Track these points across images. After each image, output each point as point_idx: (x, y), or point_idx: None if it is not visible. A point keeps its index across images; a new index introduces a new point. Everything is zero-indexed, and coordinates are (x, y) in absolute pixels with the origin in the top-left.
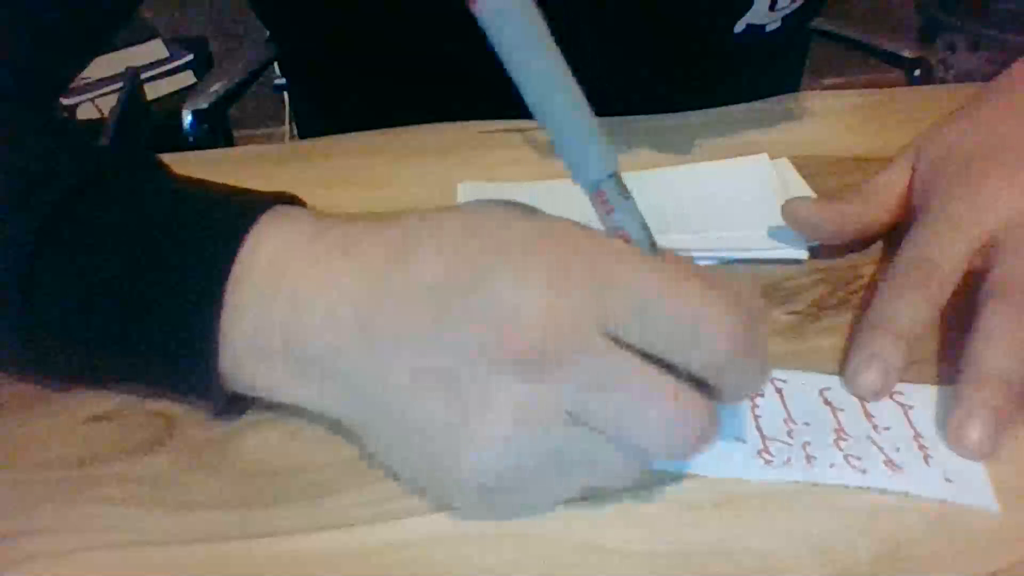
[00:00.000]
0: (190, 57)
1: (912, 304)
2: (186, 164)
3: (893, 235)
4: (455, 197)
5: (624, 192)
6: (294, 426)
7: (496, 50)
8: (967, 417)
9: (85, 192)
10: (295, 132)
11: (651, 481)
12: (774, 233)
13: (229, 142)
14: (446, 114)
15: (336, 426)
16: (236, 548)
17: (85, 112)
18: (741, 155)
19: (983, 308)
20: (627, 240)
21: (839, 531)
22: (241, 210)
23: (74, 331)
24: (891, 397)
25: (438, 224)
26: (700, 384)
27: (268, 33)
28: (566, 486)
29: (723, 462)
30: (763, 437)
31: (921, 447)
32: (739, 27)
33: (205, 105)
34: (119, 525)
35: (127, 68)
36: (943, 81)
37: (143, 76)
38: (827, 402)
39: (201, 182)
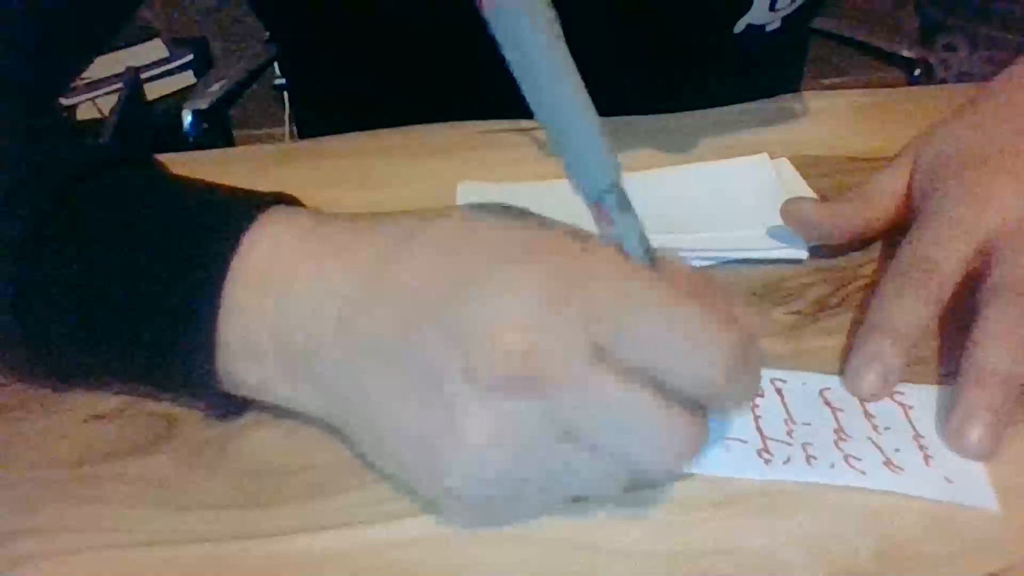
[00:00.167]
0: (190, 57)
1: (912, 304)
2: (186, 164)
3: (893, 235)
4: (455, 197)
5: (625, 204)
6: (294, 426)
7: (503, 50)
8: (967, 418)
9: (81, 190)
10: (295, 132)
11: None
12: (774, 233)
13: (229, 142)
14: (446, 114)
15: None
16: (236, 548)
17: (85, 112)
18: (741, 155)
19: (983, 308)
20: (624, 253)
21: (839, 531)
22: (239, 210)
23: (70, 330)
24: (891, 397)
25: (432, 227)
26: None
27: (268, 33)
28: (551, 496)
29: (723, 462)
30: (763, 437)
31: (921, 447)
32: (739, 27)
33: (205, 105)
34: (119, 525)
35: (127, 68)
36: (943, 81)
37: (143, 76)
38: (827, 402)
39: (200, 182)
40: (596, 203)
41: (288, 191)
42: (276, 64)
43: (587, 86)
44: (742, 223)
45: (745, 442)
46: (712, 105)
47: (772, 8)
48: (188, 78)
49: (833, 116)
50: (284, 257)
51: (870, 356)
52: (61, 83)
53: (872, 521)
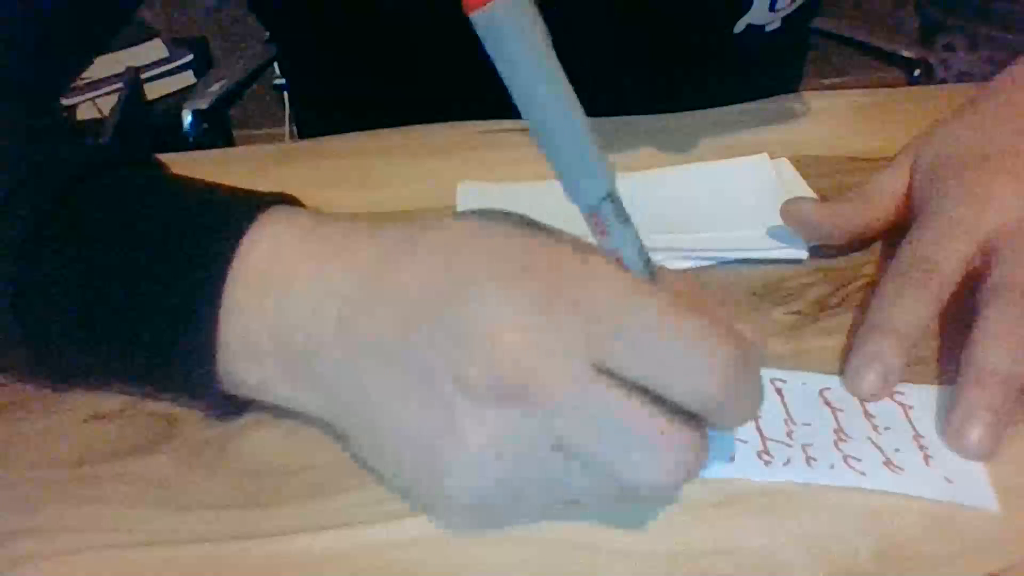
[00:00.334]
0: (190, 57)
1: (912, 304)
2: (186, 164)
3: (893, 235)
4: (455, 197)
5: (621, 214)
6: (294, 426)
7: (491, 56)
8: (967, 418)
9: (81, 190)
10: (295, 132)
11: None
12: (774, 233)
13: (229, 142)
14: (446, 114)
15: None
16: (236, 548)
17: (85, 112)
18: (741, 155)
19: (983, 308)
20: (621, 264)
21: (839, 531)
22: (239, 210)
23: (70, 330)
24: (891, 397)
25: (433, 231)
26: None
27: (268, 33)
28: (549, 500)
29: (723, 462)
30: (763, 438)
31: (921, 447)
32: (739, 27)
33: (205, 105)
34: (119, 525)
35: (127, 68)
36: (943, 81)
37: (143, 76)
38: (827, 402)
39: (200, 182)
40: (591, 214)
41: (288, 191)
42: (276, 64)
43: (587, 86)
44: (742, 223)
45: (745, 442)
46: (712, 105)
47: (772, 8)
48: (188, 78)
49: (833, 116)
50: (284, 257)
51: (870, 356)
52: (61, 83)
53: (872, 521)
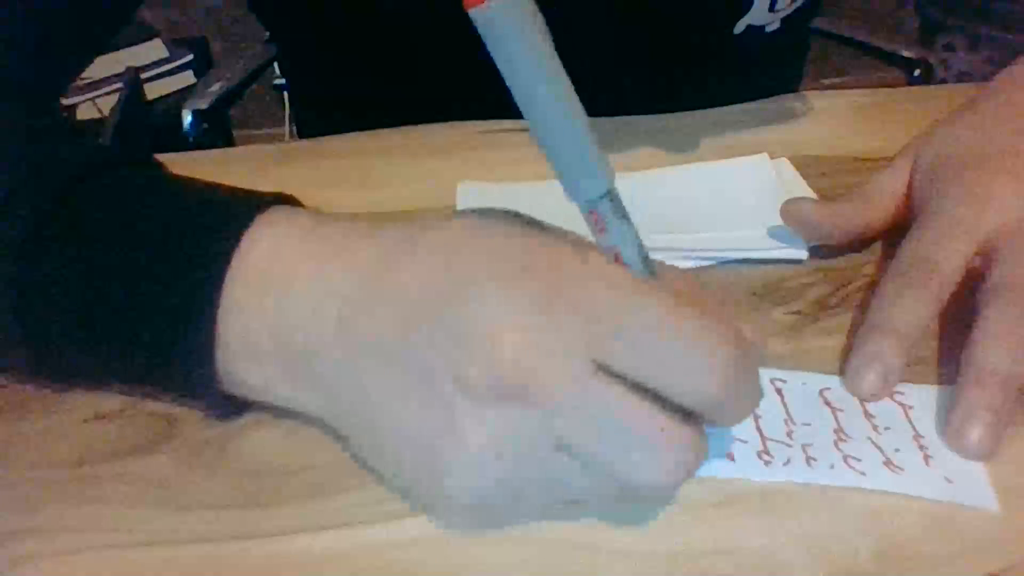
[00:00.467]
0: (190, 57)
1: (912, 304)
2: (186, 164)
3: (893, 235)
4: (455, 197)
5: (620, 212)
6: (294, 426)
7: (491, 53)
8: (967, 418)
9: (81, 190)
10: (295, 132)
11: None
12: (774, 233)
13: (229, 142)
14: (446, 114)
15: None
16: (236, 548)
17: (85, 112)
18: (741, 155)
19: (983, 308)
20: (620, 262)
21: (839, 531)
22: (239, 210)
23: (70, 330)
24: (891, 397)
25: (434, 231)
26: (690, 413)
27: (268, 33)
28: (549, 500)
29: (723, 463)
30: (763, 438)
31: (921, 447)
32: (739, 28)
33: (205, 105)
34: (119, 525)
35: (127, 68)
36: (943, 81)
37: (143, 76)
38: (827, 402)
39: (199, 182)
40: (590, 211)
41: (288, 191)
42: (276, 64)
43: (587, 86)
44: (742, 223)
45: (745, 442)
46: (712, 105)
47: (772, 9)
48: (188, 78)
49: (833, 116)
50: (284, 257)
51: (870, 356)
52: (61, 83)
53: (872, 521)
